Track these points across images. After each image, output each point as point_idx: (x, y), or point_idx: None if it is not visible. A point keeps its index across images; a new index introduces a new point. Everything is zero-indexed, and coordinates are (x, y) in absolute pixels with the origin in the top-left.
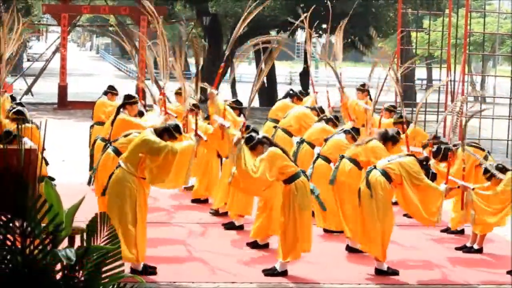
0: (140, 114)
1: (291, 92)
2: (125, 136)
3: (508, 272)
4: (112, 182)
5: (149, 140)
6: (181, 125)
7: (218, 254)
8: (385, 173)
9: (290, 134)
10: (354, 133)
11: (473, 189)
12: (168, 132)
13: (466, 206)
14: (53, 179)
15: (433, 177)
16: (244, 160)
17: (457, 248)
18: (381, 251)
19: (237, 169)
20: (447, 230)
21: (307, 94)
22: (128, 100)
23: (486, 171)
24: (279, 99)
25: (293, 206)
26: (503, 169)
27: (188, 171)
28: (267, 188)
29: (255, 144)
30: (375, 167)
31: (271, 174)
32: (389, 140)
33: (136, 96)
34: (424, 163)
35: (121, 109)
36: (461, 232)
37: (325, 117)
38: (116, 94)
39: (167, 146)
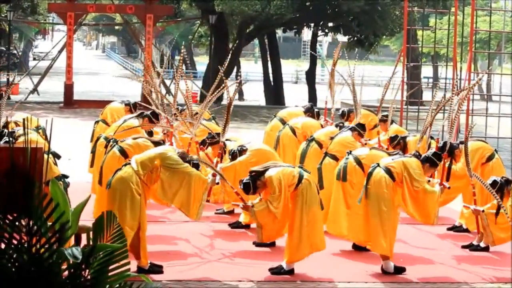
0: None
1: (310, 107)
2: (134, 138)
3: None
4: (117, 178)
5: (169, 155)
6: (200, 167)
7: (223, 252)
8: (388, 171)
9: (295, 133)
10: (360, 130)
11: (483, 211)
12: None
13: (484, 229)
14: (67, 176)
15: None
16: (262, 212)
17: (463, 246)
18: (389, 249)
19: (262, 225)
20: (453, 228)
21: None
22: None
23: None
24: (296, 105)
25: (301, 207)
26: (508, 181)
27: (200, 207)
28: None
29: (254, 186)
30: (378, 165)
31: (287, 194)
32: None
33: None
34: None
35: (139, 117)
36: (467, 230)
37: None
38: (132, 112)
39: (185, 165)
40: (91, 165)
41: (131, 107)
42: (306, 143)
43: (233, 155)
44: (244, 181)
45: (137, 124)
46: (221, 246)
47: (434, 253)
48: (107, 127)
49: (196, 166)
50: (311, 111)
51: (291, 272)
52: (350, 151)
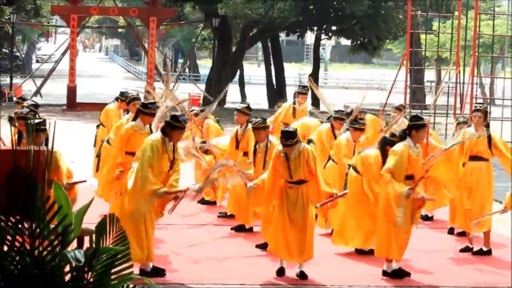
0: None
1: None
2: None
3: None
4: (124, 183)
5: (143, 148)
6: (185, 117)
7: (226, 256)
8: (355, 169)
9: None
10: (341, 117)
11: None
12: (169, 126)
13: None
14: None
15: None
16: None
17: (461, 250)
18: (384, 249)
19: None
20: (453, 232)
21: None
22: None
23: None
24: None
25: (311, 205)
26: None
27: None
28: None
29: (297, 140)
30: (349, 166)
31: None
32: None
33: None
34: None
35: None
36: (464, 233)
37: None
38: (125, 101)
39: (138, 171)
40: (97, 170)
41: (121, 98)
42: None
43: (257, 125)
44: (290, 129)
45: (127, 118)
46: (223, 249)
47: (436, 256)
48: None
49: (174, 118)
50: (298, 92)
51: (303, 275)
52: (350, 165)
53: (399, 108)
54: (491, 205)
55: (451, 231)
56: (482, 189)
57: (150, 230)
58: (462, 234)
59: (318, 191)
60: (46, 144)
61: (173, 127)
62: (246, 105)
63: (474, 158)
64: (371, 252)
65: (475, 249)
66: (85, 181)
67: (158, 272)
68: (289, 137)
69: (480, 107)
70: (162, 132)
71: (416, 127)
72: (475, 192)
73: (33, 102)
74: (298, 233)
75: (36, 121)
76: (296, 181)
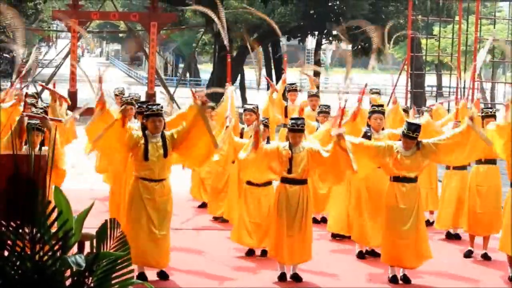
0: None
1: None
2: None
3: (510, 279)
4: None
5: None
6: (158, 106)
7: (225, 261)
8: None
9: None
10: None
11: None
12: (144, 117)
13: None
14: None
15: None
16: None
17: (465, 256)
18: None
19: None
20: (451, 236)
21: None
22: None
23: None
24: None
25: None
26: None
27: None
28: None
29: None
30: None
31: None
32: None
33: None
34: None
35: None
36: (458, 237)
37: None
38: (121, 94)
39: None
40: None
41: (118, 94)
42: None
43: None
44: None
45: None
46: (223, 254)
47: (437, 260)
48: None
49: (146, 107)
50: (288, 90)
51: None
52: None
53: (406, 110)
54: (500, 210)
55: (449, 235)
56: (493, 192)
57: (143, 234)
58: (455, 237)
59: (323, 161)
60: (41, 148)
61: (147, 116)
62: (256, 105)
63: (485, 161)
64: (370, 255)
65: (476, 253)
66: (60, 121)
67: (163, 276)
68: (300, 122)
69: (491, 112)
70: (142, 127)
71: (402, 135)
72: (487, 196)
73: (47, 104)
74: (297, 236)
75: (34, 121)
76: (298, 179)
